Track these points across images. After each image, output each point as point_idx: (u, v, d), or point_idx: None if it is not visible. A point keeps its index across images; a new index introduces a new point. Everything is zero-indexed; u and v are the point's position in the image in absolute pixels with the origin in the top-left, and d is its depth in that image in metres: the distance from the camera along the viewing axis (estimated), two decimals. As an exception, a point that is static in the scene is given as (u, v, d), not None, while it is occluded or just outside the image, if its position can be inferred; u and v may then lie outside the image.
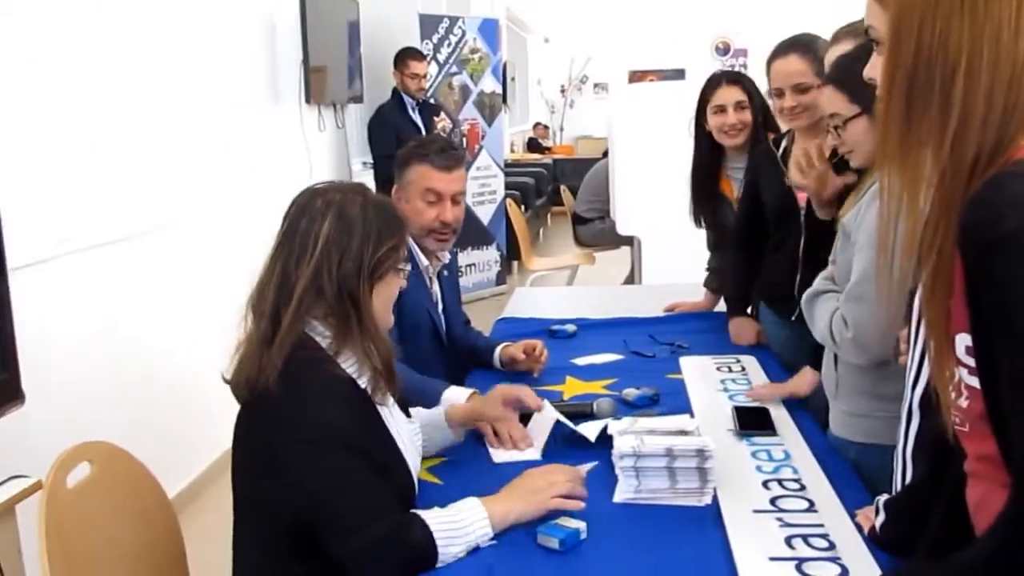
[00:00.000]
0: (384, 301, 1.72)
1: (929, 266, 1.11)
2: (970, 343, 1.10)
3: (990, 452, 1.19)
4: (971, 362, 1.11)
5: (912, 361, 1.51)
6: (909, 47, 1.09)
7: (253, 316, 1.66)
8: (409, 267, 1.78)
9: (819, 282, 2.08)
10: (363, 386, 1.69)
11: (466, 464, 2.03)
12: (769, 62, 2.70)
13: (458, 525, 1.60)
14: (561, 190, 8.32)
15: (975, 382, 1.12)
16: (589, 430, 2.06)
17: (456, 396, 2.35)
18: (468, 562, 1.60)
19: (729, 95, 2.99)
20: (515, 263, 8.14)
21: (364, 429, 1.67)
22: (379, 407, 1.74)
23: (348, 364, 1.68)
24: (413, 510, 1.65)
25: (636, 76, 11.59)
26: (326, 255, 1.62)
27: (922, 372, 1.48)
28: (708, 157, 3.11)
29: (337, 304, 1.63)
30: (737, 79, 3.03)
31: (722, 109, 3.00)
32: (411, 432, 1.89)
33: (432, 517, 1.61)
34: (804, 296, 2.10)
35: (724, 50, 10.98)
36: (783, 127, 2.81)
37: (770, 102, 2.79)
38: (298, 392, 1.60)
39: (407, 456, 1.80)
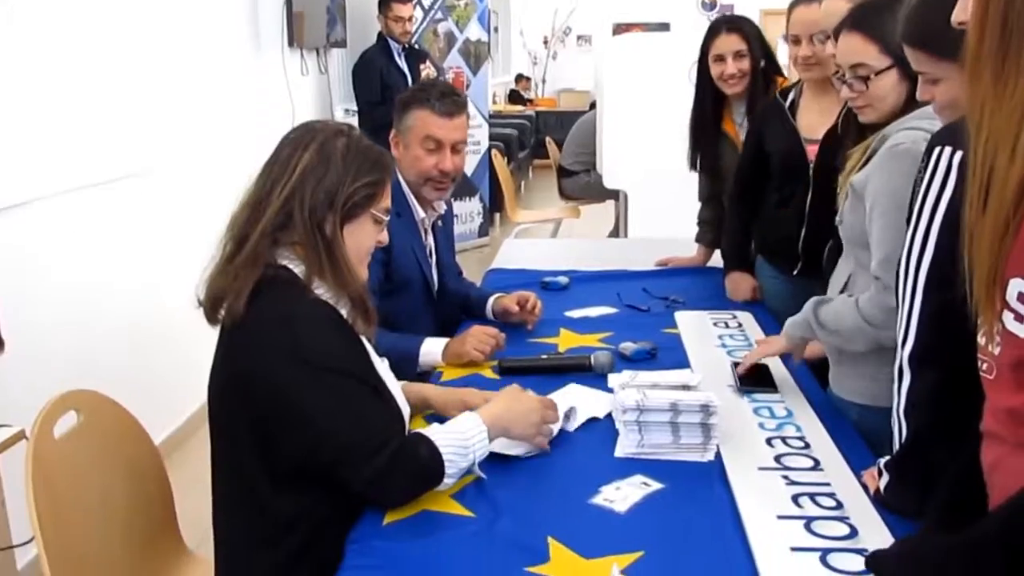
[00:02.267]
0: (356, 245, 1.68)
1: (1012, 202, 1.08)
2: None
3: (1013, 405, 1.17)
4: (1022, 309, 1.09)
5: (901, 318, 1.48)
6: None
7: (226, 238, 1.65)
8: (387, 220, 1.73)
9: (806, 310, 2.01)
10: (343, 314, 1.66)
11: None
12: (791, 7, 2.63)
13: (461, 440, 1.63)
14: (546, 142, 8.22)
15: (1018, 329, 1.10)
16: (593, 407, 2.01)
17: (433, 350, 2.32)
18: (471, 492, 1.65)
19: (728, 44, 2.92)
20: (497, 215, 8.06)
21: (355, 354, 1.65)
22: (363, 339, 1.72)
23: (322, 293, 1.64)
24: (416, 430, 1.66)
25: (620, 29, 11.48)
26: (300, 182, 1.61)
27: (910, 329, 1.46)
28: (711, 103, 3.05)
29: (306, 233, 1.61)
30: (738, 27, 2.95)
31: (721, 58, 2.94)
32: (391, 375, 1.85)
33: (436, 434, 1.62)
34: (807, 310, 2.00)
35: (711, 5, 10.87)
36: (794, 77, 2.75)
37: (785, 48, 2.72)
38: (283, 316, 1.58)
39: (393, 392, 1.77)
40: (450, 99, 2.45)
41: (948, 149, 1.38)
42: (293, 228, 1.61)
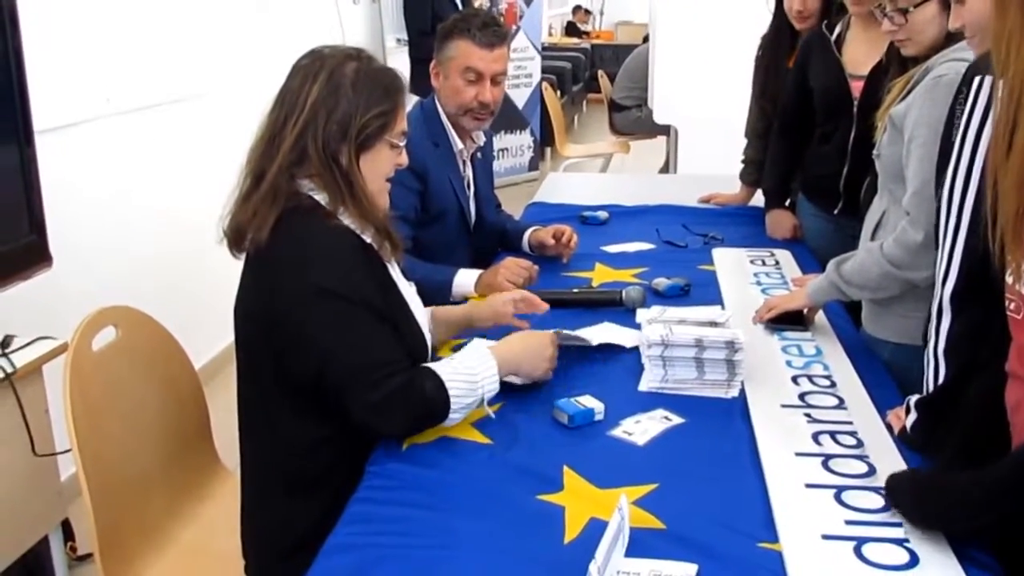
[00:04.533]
0: (373, 173, 1.67)
1: None
2: None
3: None
4: None
5: (942, 257, 1.45)
6: None
7: (245, 171, 1.66)
8: (404, 143, 1.72)
9: (829, 273, 1.99)
10: (368, 241, 1.67)
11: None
12: None
13: (469, 376, 1.63)
14: (599, 76, 8.11)
15: None
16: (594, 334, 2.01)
17: (466, 281, 2.33)
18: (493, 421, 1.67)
19: None
20: (548, 149, 8.00)
21: (374, 283, 1.65)
22: (387, 264, 1.72)
23: (347, 222, 1.65)
24: (425, 364, 1.66)
25: (683, -41, 11.18)
26: (312, 116, 1.60)
27: (951, 268, 1.43)
28: (786, 34, 2.96)
29: (322, 167, 1.61)
30: None
31: None
32: (418, 301, 1.87)
33: (445, 370, 1.62)
34: (829, 273, 1.98)
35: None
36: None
37: None
38: (303, 244, 1.59)
39: (418, 317, 1.79)
40: (491, 30, 2.42)
41: (988, 79, 1.34)
42: (309, 162, 1.61)
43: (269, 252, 1.58)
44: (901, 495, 1.36)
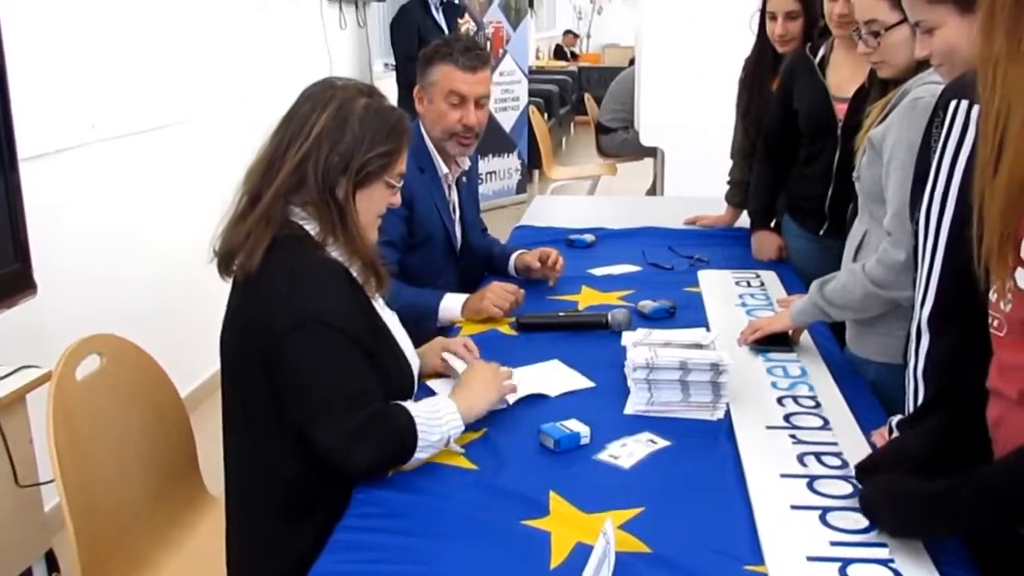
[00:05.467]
0: (368, 211, 1.68)
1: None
2: None
3: (1018, 361, 1.18)
4: None
5: (920, 278, 1.46)
6: None
7: (241, 191, 1.65)
8: (400, 185, 1.73)
9: (812, 295, 2.00)
10: (355, 275, 1.67)
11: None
12: None
13: (436, 416, 1.62)
14: (586, 99, 8.16)
15: None
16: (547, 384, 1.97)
17: (452, 305, 2.33)
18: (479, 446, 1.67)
19: (781, 3, 2.84)
20: (536, 172, 8.03)
21: (357, 314, 1.65)
22: (371, 299, 1.72)
23: (336, 254, 1.66)
24: (396, 401, 1.64)
25: (668, -17, 11.28)
26: (316, 144, 1.61)
27: (929, 289, 1.44)
28: (769, 57, 2.98)
29: (318, 196, 1.61)
30: None
31: (773, 16, 2.88)
32: (403, 331, 1.87)
33: (412, 408, 1.62)
34: (812, 294, 2.00)
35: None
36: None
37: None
38: (291, 273, 1.58)
39: (404, 349, 1.79)
40: (473, 53, 2.45)
41: (965, 103, 1.35)
42: (306, 189, 1.61)
43: (257, 281, 1.58)
44: (876, 503, 1.37)
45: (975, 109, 1.32)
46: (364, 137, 1.63)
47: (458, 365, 1.95)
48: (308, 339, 1.55)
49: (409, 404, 1.64)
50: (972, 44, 1.17)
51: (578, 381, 1.97)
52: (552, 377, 1.99)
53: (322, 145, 1.61)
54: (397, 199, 1.75)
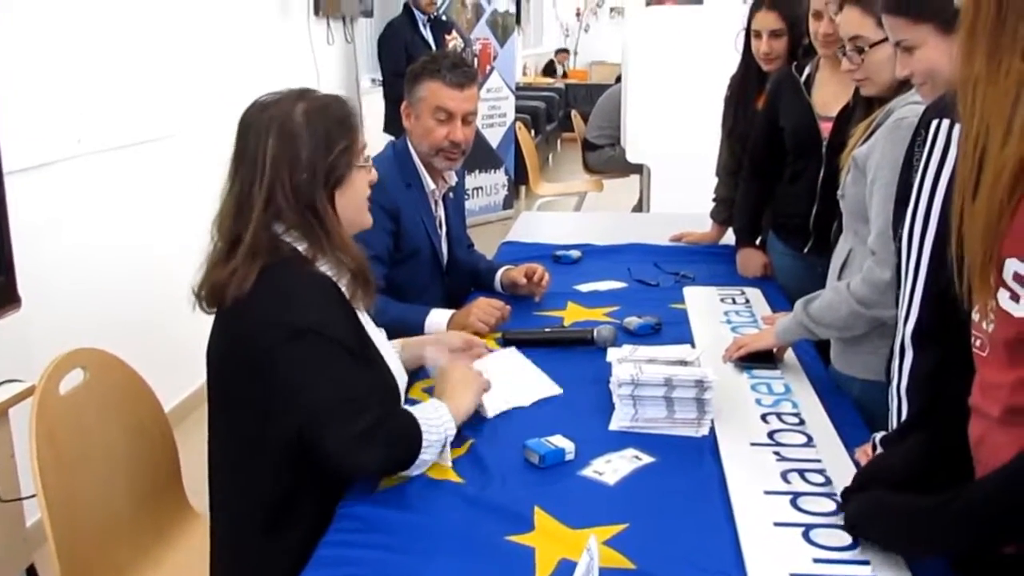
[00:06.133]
0: (352, 201, 1.68)
1: (1008, 184, 1.07)
2: (1021, 270, 1.09)
3: (1002, 381, 1.18)
4: (1018, 289, 1.10)
5: (903, 296, 1.47)
6: None
7: (215, 236, 1.64)
8: (370, 157, 1.72)
9: (796, 313, 2.01)
10: (343, 289, 1.67)
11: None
12: None
13: (435, 416, 1.64)
14: (572, 115, 8.19)
15: (1013, 308, 1.11)
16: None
17: (438, 320, 2.34)
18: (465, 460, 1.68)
19: (765, 21, 2.87)
20: (523, 188, 8.05)
21: (346, 325, 1.65)
22: (358, 312, 1.73)
23: (325, 268, 1.66)
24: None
25: (654, 1, 11.35)
26: (276, 173, 1.58)
27: (912, 307, 1.46)
28: (753, 75, 3.01)
29: (299, 218, 1.61)
30: (778, 5, 2.88)
31: (758, 35, 2.90)
32: (390, 346, 1.87)
33: (412, 410, 1.64)
34: (797, 313, 2.01)
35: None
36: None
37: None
38: (281, 290, 1.58)
39: (390, 363, 1.79)
40: (460, 70, 2.46)
41: (946, 122, 1.37)
42: (285, 216, 1.61)
43: (247, 300, 1.57)
44: (860, 518, 1.38)
45: (956, 128, 1.33)
46: (318, 144, 1.61)
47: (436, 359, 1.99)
48: (304, 349, 1.55)
49: (406, 407, 1.67)
50: (953, 64, 1.18)
51: (544, 383, 2.01)
52: (516, 381, 2.01)
53: (280, 171, 1.58)
54: (374, 174, 1.75)
